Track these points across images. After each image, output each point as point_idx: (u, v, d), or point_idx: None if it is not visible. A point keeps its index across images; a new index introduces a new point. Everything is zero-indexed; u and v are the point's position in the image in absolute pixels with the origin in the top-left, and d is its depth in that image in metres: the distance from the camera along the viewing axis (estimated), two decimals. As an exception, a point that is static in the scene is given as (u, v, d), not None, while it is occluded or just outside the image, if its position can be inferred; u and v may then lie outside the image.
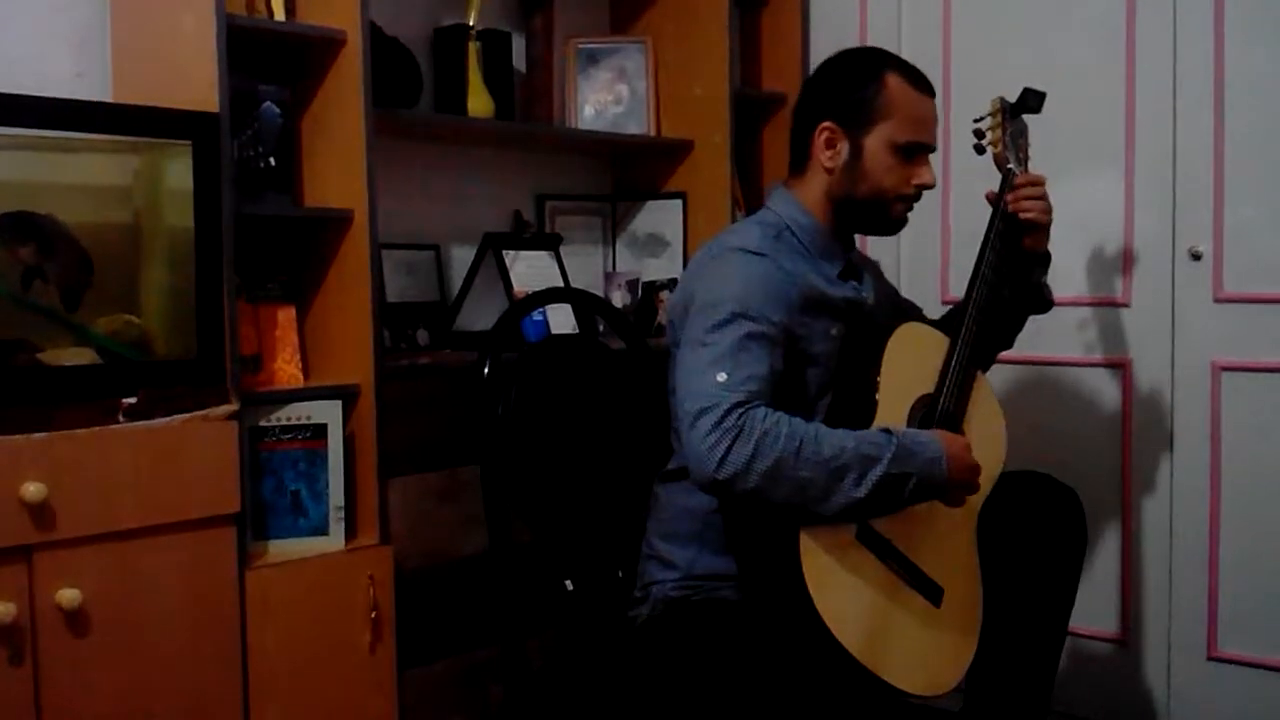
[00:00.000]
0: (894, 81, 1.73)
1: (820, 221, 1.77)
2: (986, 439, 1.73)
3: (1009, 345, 1.98)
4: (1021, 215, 1.80)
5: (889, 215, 1.77)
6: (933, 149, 1.77)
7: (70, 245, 1.74)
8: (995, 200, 1.83)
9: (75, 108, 1.78)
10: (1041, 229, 1.82)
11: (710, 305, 1.61)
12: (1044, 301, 1.91)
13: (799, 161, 1.80)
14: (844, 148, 1.74)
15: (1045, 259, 1.87)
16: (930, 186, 1.75)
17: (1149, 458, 2.39)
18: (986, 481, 1.68)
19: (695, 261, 1.75)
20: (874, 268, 1.98)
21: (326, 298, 2.14)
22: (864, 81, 1.74)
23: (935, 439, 1.59)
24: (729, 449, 1.46)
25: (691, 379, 1.56)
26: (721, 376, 1.53)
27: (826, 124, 1.74)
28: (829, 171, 1.75)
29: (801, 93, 1.84)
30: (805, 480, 1.49)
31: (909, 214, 1.79)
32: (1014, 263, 1.82)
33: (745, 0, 2.86)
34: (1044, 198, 1.81)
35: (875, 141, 1.72)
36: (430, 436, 2.40)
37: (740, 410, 1.49)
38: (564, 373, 1.92)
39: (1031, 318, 1.95)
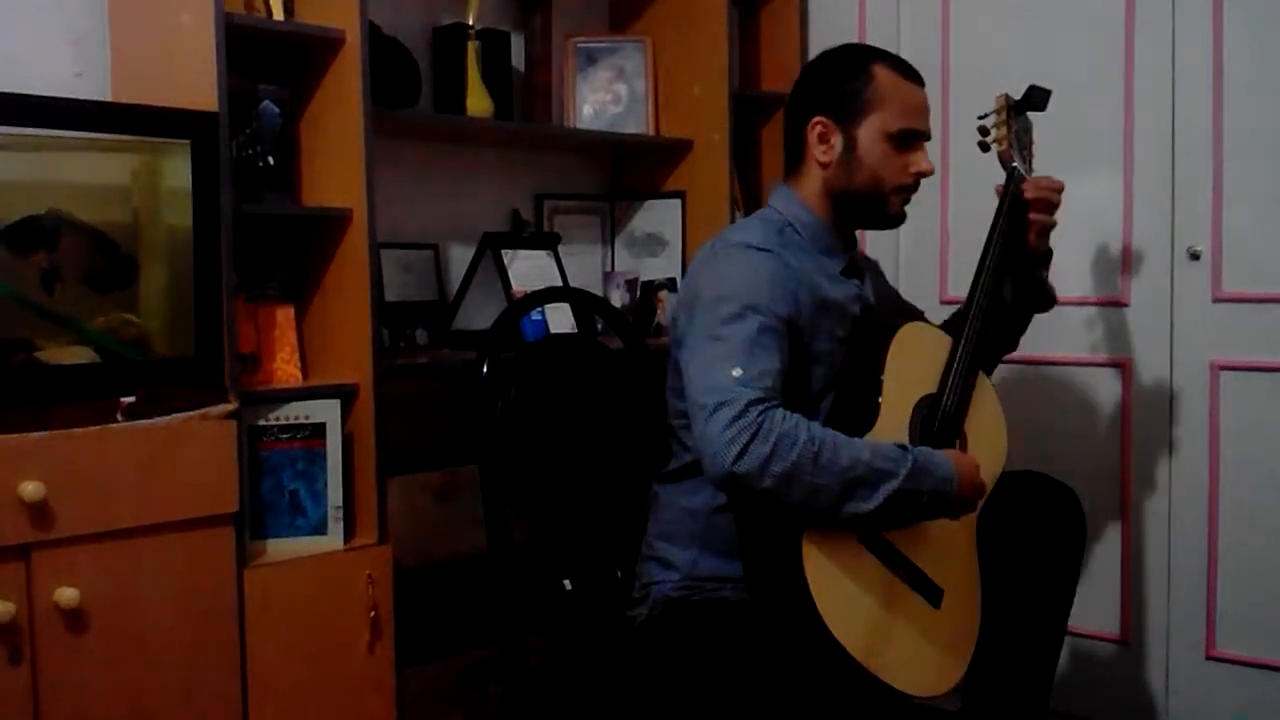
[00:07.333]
0: (882, 72, 1.74)
1: (822, 218, 1.77)
2: (987, 439, 1.73)
3: (1013, 347, 1.97)
4: (1029, 196, 1.80)
5: (886, 208, 1.76)
6: (927, 136, 1.77)
7: (78, 233, 1.74)
8: (1000, 199, 1.83)
9: (74, 107, 1.78)
10: (1045, 226, 1.82)
11: (719, 300, 1.61)
12: (1047, 298, 1.91)
13: (794, 159, 1.80)
14: (837, 141, 1.74)
15: (1047, 256, 1.87)
16: (928, 173, 1.75)
17: (1148, 457, 2.39)
18: (988, 480, 1.68)
19: (699, 258, 1.74)
20: (875, 270, 1.98)
21: (325, 297, 2.14)
22: (852, 74, 1.74)
23: (948, 459, 1.59)
24: (746, 446, 1.45)
25: (706, 373, 1.55)
26: (737, 372, 1.52)
27: (819, 119, 1.75)
28: (824, 166, 1.76)
29: (792, 92, 1.84)
30: (819, 487, 1.48)
31: (906, 207, 1.79)
32: (1017, 260, 1.82)
33: (744, 0, 2.86)
34: (1059, 195, 1.82)
35: (868, 132, 1.73)
36: (429, 436, 2.40)
37: (759, 408, 1.48)
38: (563, 372, 1.91)
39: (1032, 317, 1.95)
